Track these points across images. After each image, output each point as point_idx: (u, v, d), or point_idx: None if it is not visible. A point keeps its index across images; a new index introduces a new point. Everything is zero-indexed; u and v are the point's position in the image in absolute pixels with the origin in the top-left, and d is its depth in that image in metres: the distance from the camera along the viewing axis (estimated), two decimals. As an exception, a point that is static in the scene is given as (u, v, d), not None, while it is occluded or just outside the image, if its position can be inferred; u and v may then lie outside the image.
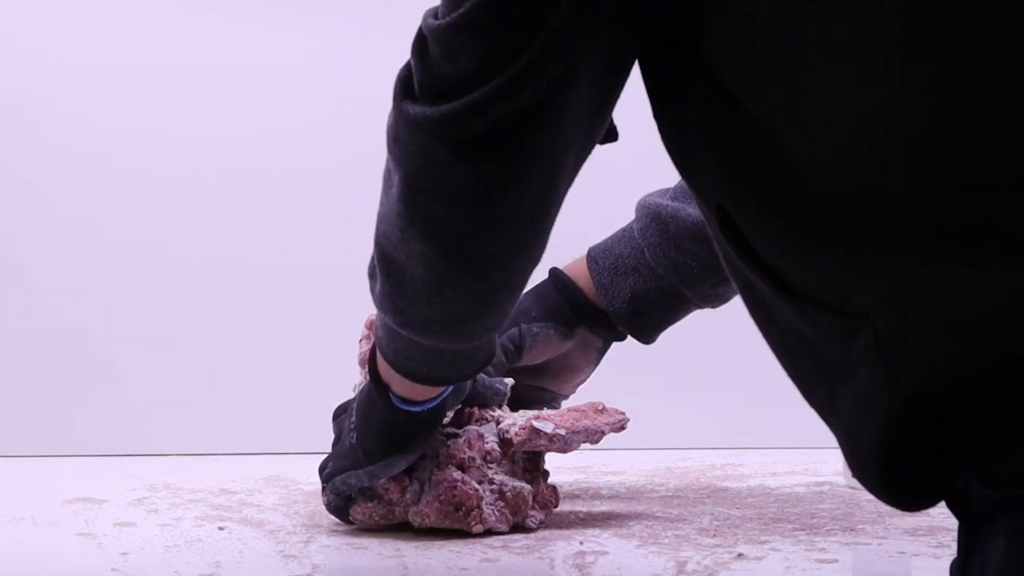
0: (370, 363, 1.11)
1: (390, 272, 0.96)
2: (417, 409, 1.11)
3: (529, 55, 0.80)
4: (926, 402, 0.72)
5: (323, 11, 1.78)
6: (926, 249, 0.70)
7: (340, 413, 1.21)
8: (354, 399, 1.18)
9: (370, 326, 1.28)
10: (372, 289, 1.01)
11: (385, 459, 1.13)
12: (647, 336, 1.31)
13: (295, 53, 1.78)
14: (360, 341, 1.30)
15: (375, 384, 1.11)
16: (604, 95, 0.84)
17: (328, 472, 1.16)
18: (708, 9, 0.76)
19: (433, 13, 0.85)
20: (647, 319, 1.30)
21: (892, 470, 0.75)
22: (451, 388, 1.13)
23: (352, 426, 1.15)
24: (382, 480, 1.15)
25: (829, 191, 0.73)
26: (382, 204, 0.94)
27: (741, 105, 0.75)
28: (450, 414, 1.18)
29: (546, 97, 0.81)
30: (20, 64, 1.71)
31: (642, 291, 1.29)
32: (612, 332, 1.31)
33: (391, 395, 1.10)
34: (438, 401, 1.13)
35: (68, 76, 1.72)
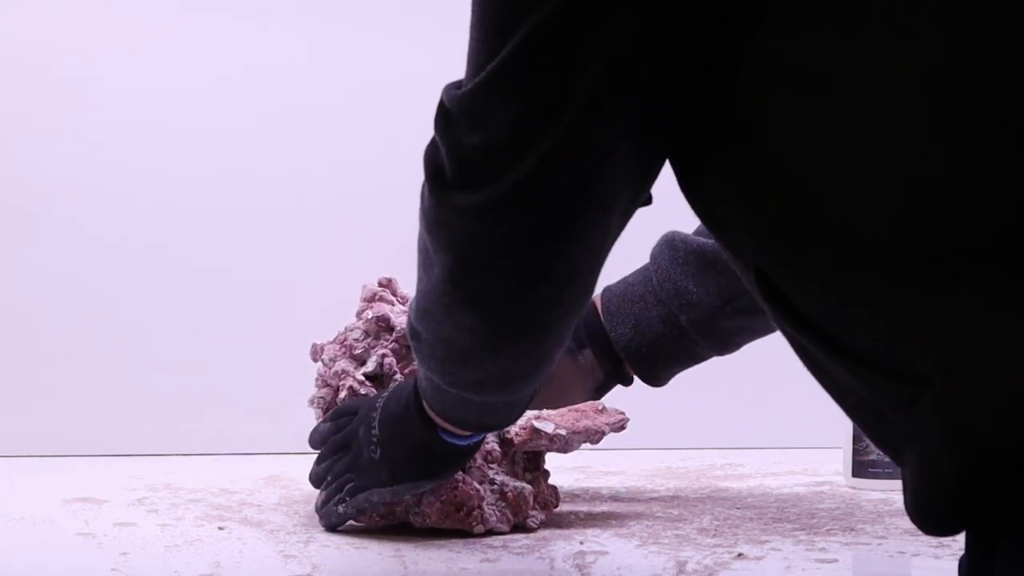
0: (414, 393, 1.09)
1: (438, 339, 0.94)
2: (463, 443, 1.10)
3: (569, 117, 0.77)
4: (996, 458, 0.71)
5: (317, 12, 1.79)
6: (985, 306, 0.69)
7: (342, 415, 1.20)
8: (358, 404, 1.17)
9: (369, 299, 1.27)
10: (416, 349, 0.99)
11: (414, 482, 1.12)
12: (650, 373, 1.31)
13: (288, 53, 1.78)
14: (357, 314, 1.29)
15: (419, 415, 1.08)
16: (650, 153, 0.81)
17: (352, 487, 1.14)
18: (745, 63, 0.74)
19: (456, 84, 0.82)
20: (649, 351, 1.30)
21: (960, 517, 0.75)
22: None
23: (375, 439, 1.12)
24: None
25: (876, 248, 0.71)
26: (421, 281, 0.92)
27: (777, 164, 0.74)
28: None
29: (593, 163, 0.79)
30: (22, 63, 1.71)
31: (645, 319, 1.29)
32: (617, 369, 1.31)
33: (439, 430, 1.08)
34: (481, 436, 1.12)
35: (66, 76, 1.72)
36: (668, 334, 1.29)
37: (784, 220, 0.74)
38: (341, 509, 1.15)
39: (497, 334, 0.90)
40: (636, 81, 0.77)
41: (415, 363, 1.22)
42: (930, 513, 0.76)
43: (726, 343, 1.31)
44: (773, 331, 1.26)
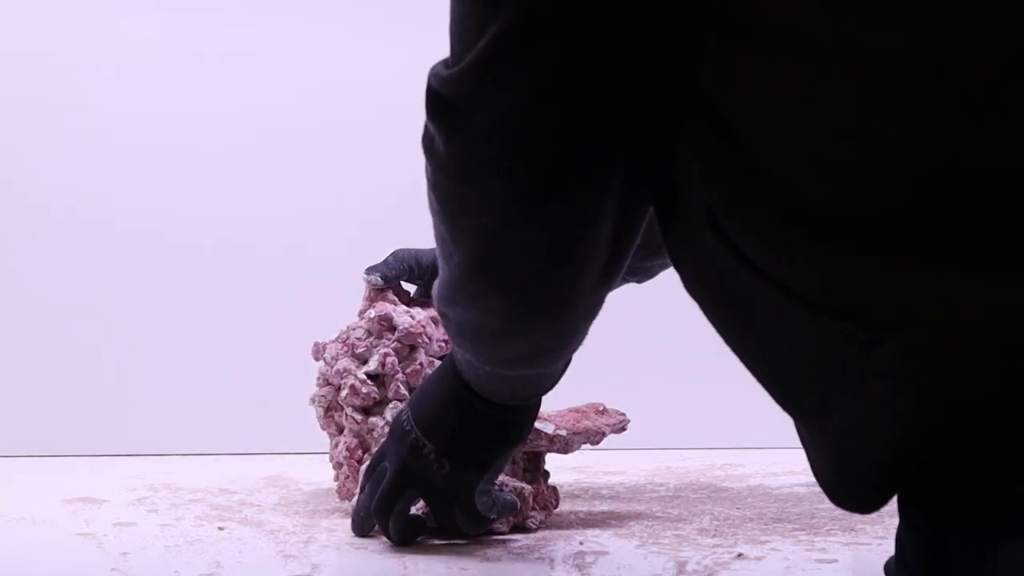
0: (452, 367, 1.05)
1: (465, 321, 0.94)
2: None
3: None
4: (961, 410, 0.70)
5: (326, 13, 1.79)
6: (949, 260, 0.69)
7: (373, 468, 1.12)
8: (384, 455, 1.11)
9: (371, 298, 1.27)
10: (445, 327, 0.98)
11: (495, 450, 1.06)
12: None
13: (296, 54, 1.78)
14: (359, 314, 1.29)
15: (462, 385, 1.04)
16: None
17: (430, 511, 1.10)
18: (709, 30, 0.73)
19: (444, 63, 0.81)
20: None
21: (895, 478, 0.73)
22: None
23: (414, 435, 1.06)
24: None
25: (835, 201, 0.71)
26: (443, 271, 0.91)
27: (737, 132, 0.73)
28: None
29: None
30: (28, 62, 1.71)
31: None
32: None
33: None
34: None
35: (64, 75, 1.72)
36: None
37: (743, 175, 0.73)
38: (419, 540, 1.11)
39: (524, 314, 0.89)
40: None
41: (417, 363, 1.23)
42: (861, 476, 0.74)
43: (651, 274, 1.25)
44: None
